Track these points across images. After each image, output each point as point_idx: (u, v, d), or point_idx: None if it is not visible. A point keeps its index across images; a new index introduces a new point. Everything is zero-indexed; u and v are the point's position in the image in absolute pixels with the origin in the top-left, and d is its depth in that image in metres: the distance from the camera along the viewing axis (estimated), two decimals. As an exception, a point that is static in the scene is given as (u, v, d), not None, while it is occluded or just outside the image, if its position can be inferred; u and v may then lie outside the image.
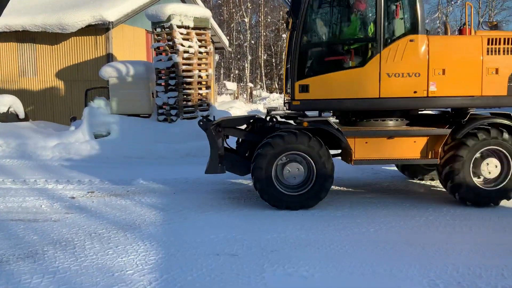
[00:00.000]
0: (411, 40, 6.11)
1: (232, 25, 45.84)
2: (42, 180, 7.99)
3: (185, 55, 11.49)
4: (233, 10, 46.09)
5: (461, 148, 6.07)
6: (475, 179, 6.17)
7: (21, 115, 13.71)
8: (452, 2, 44.07)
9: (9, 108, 13.39)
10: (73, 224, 5.56)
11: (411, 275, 4.02)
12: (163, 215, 5.94)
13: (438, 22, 45.50)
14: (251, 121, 6.95)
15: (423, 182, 7.81)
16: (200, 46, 11.87)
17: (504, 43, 6.15)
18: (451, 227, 5.37)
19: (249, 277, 4.00)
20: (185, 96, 11.69)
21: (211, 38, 11.70)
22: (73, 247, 4.74)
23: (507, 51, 6.15)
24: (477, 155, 6.15)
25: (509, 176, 6.15)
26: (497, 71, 6.15)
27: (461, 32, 6.49)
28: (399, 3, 6.29)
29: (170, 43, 11.42)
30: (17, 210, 6.25)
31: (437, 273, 4.04)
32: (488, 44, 6.13)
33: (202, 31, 11.96)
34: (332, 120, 6.54)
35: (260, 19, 44.79)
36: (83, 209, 6.25)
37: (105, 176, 8.24)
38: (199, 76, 11.96)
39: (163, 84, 11.63)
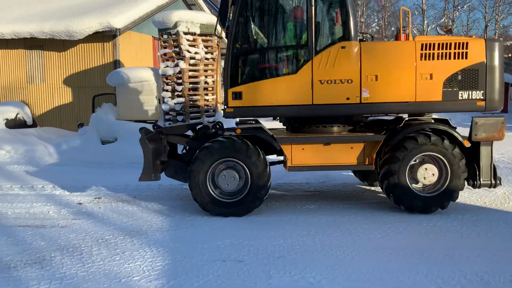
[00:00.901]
0: (342, 47, 6.10)
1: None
2: (50, 186, 8.04)
3: (192, 61, 11.53)
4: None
5: (398, 150, 6.05)
6: (414, 185, 6.16)
7: (29, 121, 13.82)
8: (459, 8, 43.98)
9: (17, 114, 13.50)
10: (80, 230, 5.59)
11: (418, 281, 3.99)
12: (169, 221, 5.96)
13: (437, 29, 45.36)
14: (197, 128, 6.87)
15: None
16: (206, 53, 11.91)
17: (438, 48, 6.07)
18: (458, 233, 5.34)
19: (255, 283, 4.00)
20: (191, 102, 11.73)
21: (217, 44, 11.72)
22: (80, 253, 4.76)
23: (441, 56, 6.07)
24: (416, 159, 6.12)
25: (446, 184, 6.08)
26: (431, 76, 6.08)
27: (396, 38, 6.45)
28: (331, 11, 6.31)
29: (177, 49, 11.47)
30: (25, 216, 6.29)
31: (444, 279, 4.02)
32: (421, 49, 6.07)
33: (208, 38, 12.02)
34: (278, 127, 6.66)
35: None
36: (90, 215, 6.27)
37: (112, 182, 8.27)
38: (206, 82, 11.99)
39: (169, 90, 11.68)
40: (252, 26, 6.46)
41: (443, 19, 44.72)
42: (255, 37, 6.54)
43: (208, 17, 12.23)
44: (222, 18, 6.27)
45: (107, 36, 14.25)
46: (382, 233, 5.34)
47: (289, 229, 5.52)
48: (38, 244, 5.08)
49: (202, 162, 6.08)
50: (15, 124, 13.27)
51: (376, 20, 48.37)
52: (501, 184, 6.37)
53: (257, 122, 7.16)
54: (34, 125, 13.92)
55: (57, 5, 16.23)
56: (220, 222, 5.90)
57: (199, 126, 6.82)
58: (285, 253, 4.71)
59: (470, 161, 6.19)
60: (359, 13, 45.38)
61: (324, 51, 6.12)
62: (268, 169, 6.13)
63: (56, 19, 14.57)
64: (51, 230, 5.61)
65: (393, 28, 43.90)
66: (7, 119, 13.22)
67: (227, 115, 6.39)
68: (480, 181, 6.12)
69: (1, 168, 9.92)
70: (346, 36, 6.13)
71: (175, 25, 11.32)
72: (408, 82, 6.09)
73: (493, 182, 6.13)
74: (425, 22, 43.95)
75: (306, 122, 6.63)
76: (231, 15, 6.27)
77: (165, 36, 11.79)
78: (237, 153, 6.05)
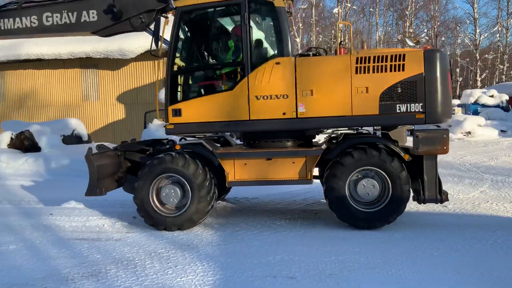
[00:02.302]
0: (277, 63, 6.10)
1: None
2: (105, 201, 8.29)
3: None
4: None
5: (336, 166, 6.01)
6: (356, 200, 6.06)
7: (84, 137, 14.40)
8: (513, 15, 42.26)
9: (73, 131, 14.10)
10: (134, 243, 5.71)
11: (480, 303, 3.79)
12: (219, 235, 5.98)
13: (498, 35, 43.77)
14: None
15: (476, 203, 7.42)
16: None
17: (374, 61, 5.90)
18: (522, 252, 5.05)
19: (308, 301, 3.93)
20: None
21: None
22: (134, 266, 4.86)
23: (377, 69, 5.88)
24: (356, 175, 6.02)
25: (388, 197, 5.93)
26: (367, 90, 5.92)
27: (336, 52, 6.34)
28: (264, 28, 6.35)
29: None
30: (81, 229, 6.51)
31: (509, 301, 3.79)
32: (356, 63, 5.93)
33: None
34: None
35: (311, 39, 44.92)
36: (143, 229, 6.41)
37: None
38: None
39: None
40: (189, 44, 6.60)
41: (496, 27, 43.13)
42: (192, 55, 6.69)
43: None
44: (155, 37, 6.44)
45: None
46: (439, 251, 5.12)
47: (341, 245, 5.40)
48: (94, 257, 5.24)
49: (144, 178, 6.26)
50: (71, 140, 13.86)
51: (426, 30, 47.30)
52: (447, 200, 6.10)
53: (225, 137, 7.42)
54: (89, 140, 14.49)
55: (111, 26, 16.89)
56: (270, 237, 5.87)
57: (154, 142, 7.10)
58: (337, 270, 4.61)
59: (415, 175, 6.07)
60: (407, 24, 44.59)
61: (259, 67, 6.14)
62: (208, 181, 6.19)
63: (109, 39, 15.17)
64: (106, 243, 5.77)
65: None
66: (64, 136, 13.83)
67: (167, 132, 6.54)
68: (424, 196, 5.96)
69: (60, 182, 10.35)
70: (280, 52, 6.15)
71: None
72: (343, 96, 5.98)
73: (439, 197, 5.96)
74: (477, 31, 42.55)
75: (259, 137, 6.63)
76: (163, 34, 6.44)
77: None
78: (175, 167, 6.15)
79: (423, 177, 5.94)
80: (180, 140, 6.94)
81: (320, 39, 47.40)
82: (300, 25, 44.52)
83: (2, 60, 15.92)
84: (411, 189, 6.07)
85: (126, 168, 6.90)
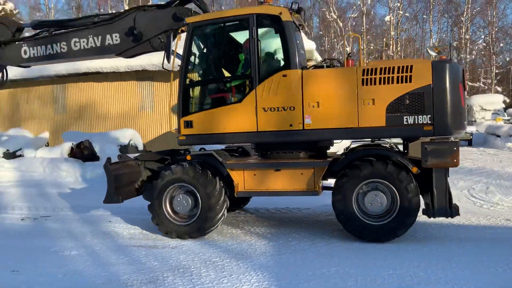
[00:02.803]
0: (284, 75, 6.16)
1: (333, 54, 45.89)
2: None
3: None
4: (335, 40, 46.24)
5: (342, 178, 5.99)
6: (363, 212, 5.99)
7: (140, 147, 14.84)
8: None
9: (130, 141, 14.58)
10: (189, 252, 5.81)
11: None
12: (273, 245, 5.97)
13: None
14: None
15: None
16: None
17: (381, 73, 5.82)
18: None
19: (365, 315, 3.83)
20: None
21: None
22: (190, 274, 4.93)
23: (384, 80, 5.80)
24: (363, 187, 5.96)
25: (396, 210, 5.81)
26: (373, 101, 5.85)
27: (345, 64, 6.24)
28: (272, 41, 6.48)
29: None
30: (138, 237, 6.69)
31: None
32: (363, 75, 5.87)
33: (308, 64, 12.11)
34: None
35: (362, 47, 44.33)
36: (197, 237, 6.50)
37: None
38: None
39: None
40: (200, 58, 6.83)
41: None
42: (203, 69, 6.93)
43: (307, 43, 12.34)
44: (167, 53, 6.64)
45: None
46: (504, 267, 4.86)
47: (398, 258, 5.25)
48: (152, 264, 5.36)
49: (157, 188, 6.51)
50: (128, 149, 14.32)
51: (483, 37, 45.53)
52: (458, 214, 5.83)
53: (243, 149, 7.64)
54: (144, 150, 14.92)
55: (165, 39, 17.40)
56: (324, 248, 5.79)
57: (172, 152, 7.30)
58: (396, 285, 4.47)
59: (425, 189, 5.94)
60: (463, 30, 43.11)
61: (266, 80, 6.22)
62: (218, 190, 6.31)
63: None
64: (162, 250, 5.90)
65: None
66: (120, 145, 14.32)
67: (180, 143, 6.77)
68: (434, 210, 5.78)
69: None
70: (287, 65, 6.20)
71: (275, 52, 11.56)
72: (350, 108, 5.94)
73: (449, 210, 5.77)
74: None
75: (271, 148, 6.70)
76: (176, 49, 6.71)
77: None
78: (185, 178, 6.37)
79: (432, 190, 5.78)
80: (200, 149, 7.19)
81: (372, 47, 46.67)
82: (350, 32, 44.05)
83: (63, 73, 16.73)
84: (422, 202, 5.92)
85: (146, 177, 7.11)
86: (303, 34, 7.59)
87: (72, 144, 14.26)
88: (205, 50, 6.97)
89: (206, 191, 6.29)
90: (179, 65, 6.73)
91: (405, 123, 5.78)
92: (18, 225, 7.83)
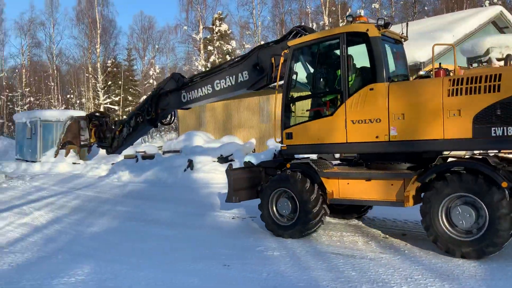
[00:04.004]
0: (370, 89, 6.41)
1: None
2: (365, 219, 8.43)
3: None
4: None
5: (429, 190, 5.91)
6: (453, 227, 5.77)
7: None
8: None
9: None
10: (388, 265, 5.60)
11: None
12: (484, 268, 5.33)
13: None
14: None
15: None
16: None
17: (467, 83, 5.63)
18: None
19: None
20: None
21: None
22: (389, 290, 4.75)
23: (470, 90, 5.59)
24: (452, 200, 5.76)
25: (484, 229, 5.45)
26: (459, 112, 5.69)
27: (435, 74, 6.13)
28: (360, 57, 6.68)
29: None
30: (336, 244, 6.75)
31: None
32: (449, 85, 5.74)
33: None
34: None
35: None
36: (396, 250, 6.24)
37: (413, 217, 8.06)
38: None
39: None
40: (299, 77, 7.43)
41: None
42: (300, 86, 7.59)
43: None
44: (269, 74, 7.99)
45: (410, 70, 14.32)
46: None
47: None
48: (350, 273, 5.34)
49: (265, 193, 7.44)
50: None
51: None
52: None
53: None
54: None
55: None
56: None
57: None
58: None
59: None
60: None
61: (355, 93, 6.55)
62: (315, 196, 6.84)
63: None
64: (360, 261, 5.82)
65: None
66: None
67: (282, 152, 7.52)
68: None
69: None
70: (374, 79, 6.40)
71: (487, 52, 10.41)
72: (435, 119, 5.87)
73: None
74: None
75: (371, 158, 6.96)
76: (280, 70, 7.57)
77: (475, 65, 11.00)
78: (286, 183, 7.11)
79: None
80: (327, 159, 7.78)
81: None
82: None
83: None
84: None
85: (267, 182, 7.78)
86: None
87: (275, 151, 15.28)
88: (304, 69, 7.65)
89: (303, 197, 6.88)
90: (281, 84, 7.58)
91: (493, 134, 5.51)
92: (229, 223, 8.70)
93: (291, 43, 7.46)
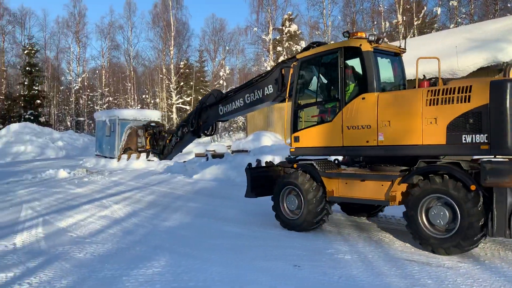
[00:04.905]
0: (362, 98, 7.06)
1: None
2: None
3: None
4: None
5: (409, 192, 6.50)
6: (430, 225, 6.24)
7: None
8: None
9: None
10: (467, 275, 5.34)
11: None
12: None
13: None
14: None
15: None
16: None
17: (443, 94, 6.13)
18: None
19: None
20: None
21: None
22: (470, 301, 4.53)
23: (445, 101, 6.10)
24: (430, 201, 6.25)
25: (456, 227, 5.91)
26: (436, 120, 6.20)
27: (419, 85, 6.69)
28: (355, 69, 7.43)
29: None
30: (410, 250, 6.53)
31: None
32: (428, 95, 6.26)
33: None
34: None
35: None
36: (475, 260, 5.95)
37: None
38: None
39: None
40: (306, 86, 8.27)
41: None
42: (305, 95, 8.32)
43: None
44: (279, 84, 8.94)
45: (491, 70, 13.60)
46: None
47: None
48: (426, 281, 5.15)
49: (276, 189, 8.24)
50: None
51: None
52: None
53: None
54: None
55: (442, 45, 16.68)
56: None
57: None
58: None
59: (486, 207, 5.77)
60: None
61: (350, 102, 7.23)
62: (319, 194, 7.62)
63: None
64: (437, 269, 5.60)
65: None
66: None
67: (291, 153, 8.27)
68: (493, 229, 5.62)
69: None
70: (366, 89, 7.04)
71: None
72: (415, 126, 6.40)
73: (508, 232, 5.54)
74: None
75: (372, 161, 7.55)
76: (290, 80, 8.39)
77: None
78: (294, 182, 7.88)
79: (492, 209, 5.64)
80: (334, 160, 8.39)
81: None
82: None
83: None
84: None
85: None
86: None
87: None
88: (310, 79, 8.32)
89: (307, 195, 7.63)
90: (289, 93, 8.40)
91: (463, 141, 5.99)
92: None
93: (299, 56, 8.27)
